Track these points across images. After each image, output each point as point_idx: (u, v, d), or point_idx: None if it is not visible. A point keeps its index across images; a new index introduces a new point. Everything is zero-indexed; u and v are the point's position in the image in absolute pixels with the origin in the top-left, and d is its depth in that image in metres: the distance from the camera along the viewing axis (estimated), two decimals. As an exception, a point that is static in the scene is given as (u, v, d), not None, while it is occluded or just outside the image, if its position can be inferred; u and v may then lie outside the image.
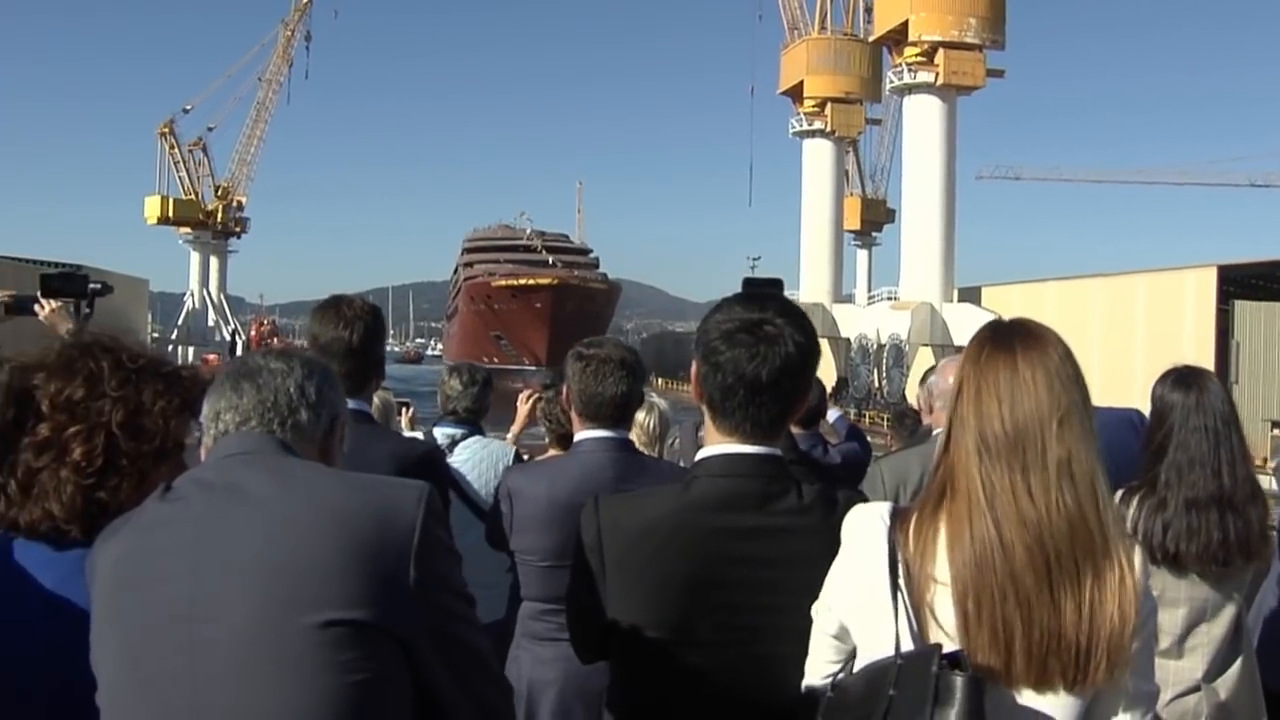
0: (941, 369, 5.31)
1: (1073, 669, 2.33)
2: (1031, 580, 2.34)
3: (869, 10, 77.55)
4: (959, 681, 2.25)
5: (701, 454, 2.73)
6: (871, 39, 75.61)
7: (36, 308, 4.70)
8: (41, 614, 2.28)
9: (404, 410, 7.32)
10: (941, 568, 2.41)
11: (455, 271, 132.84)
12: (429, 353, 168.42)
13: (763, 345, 2.59)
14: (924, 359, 46.36)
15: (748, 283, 2.94)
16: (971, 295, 62.92)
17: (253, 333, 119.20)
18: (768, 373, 2.59)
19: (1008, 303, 57.20)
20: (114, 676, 2.10)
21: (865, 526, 2.52)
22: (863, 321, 70.17)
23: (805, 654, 2.57)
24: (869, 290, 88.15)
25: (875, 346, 66.28)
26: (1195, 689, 3.80)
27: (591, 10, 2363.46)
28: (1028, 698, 2.38)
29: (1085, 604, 2.33)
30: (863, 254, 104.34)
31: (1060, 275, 56.97)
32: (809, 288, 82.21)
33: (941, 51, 64.83)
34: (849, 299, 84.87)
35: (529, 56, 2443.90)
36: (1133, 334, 44.65)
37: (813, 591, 2.54)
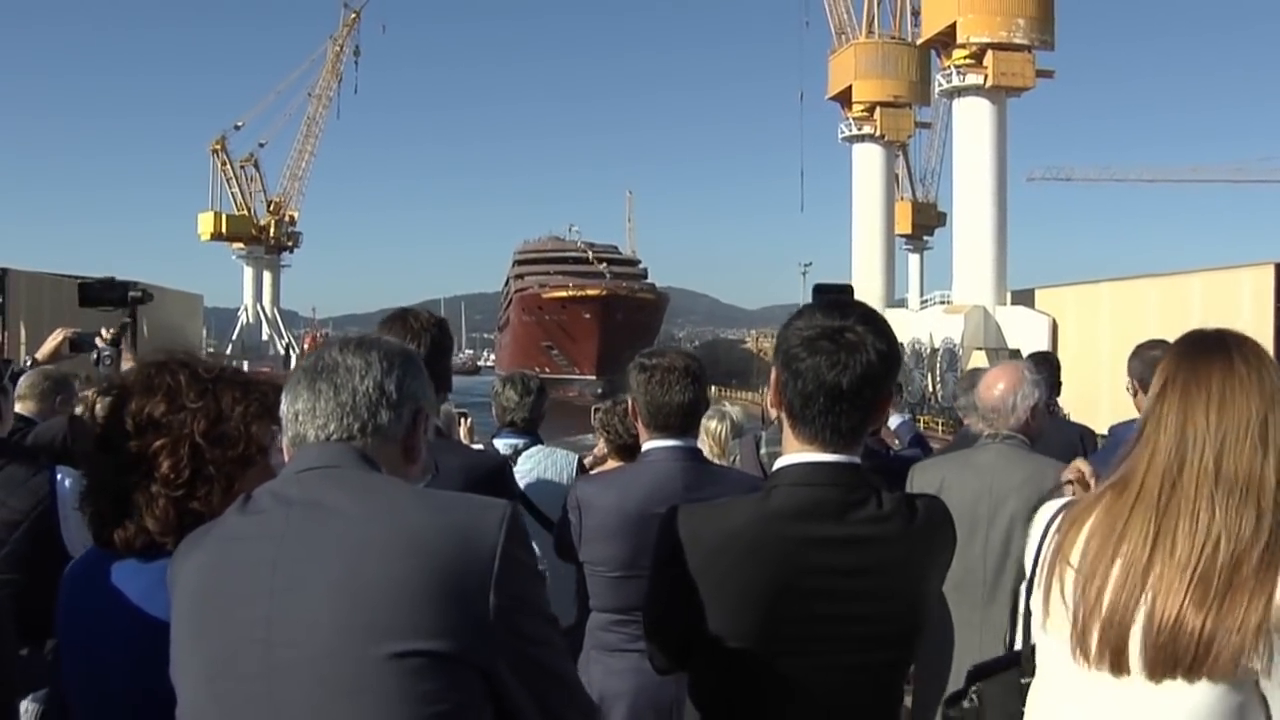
0: (988, 379, 5.25)
1: (1189, 663, 2.28)
2: (1178, 585, 2.30)
3: (916, 13, 77.23)
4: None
5: (780, 462, 2.72)
6: (919, 42, 75.24)
7: (98, 341, 4.75)
8: (129, 627, 2.34)
9: (462, 420, 7.33)
10: (1077, 551, 2.43)
11: (506, 283, 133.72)
12: (482, 364, 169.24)
13: (844, 353, 2.57)
14: (977, 362, 45.92)
15: (819, 289, 2.93)
16: (1025, 298, 62.32)
17: (306, 346, 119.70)
18: (848, 380, 2.57)
19: (1061, 304, 56.73)
20: (193, 694, 2.10)
21: (1038, 521, 2.62)
22: (916, 326, 69.72)
23: (887, 662, 2.61)
24: (921, 294, 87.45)
25: (929, 350, 65.81)
26: None
27: (640, 19, 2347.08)
28: (1141, 688, 2.35)
29: (1229, 616, 2.27)
30: (914, 258, 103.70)
31: (1114, 276, 56.36)
32: (861, 292, 78.56)
33: (990, 53, 64.34)
34: (901, 303, 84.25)
35: (577, 66, 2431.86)
36: (1189, 334, 43.91)
37: (894, 600, 2.57)
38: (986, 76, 64.56)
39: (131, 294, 5.07)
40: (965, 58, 65.49)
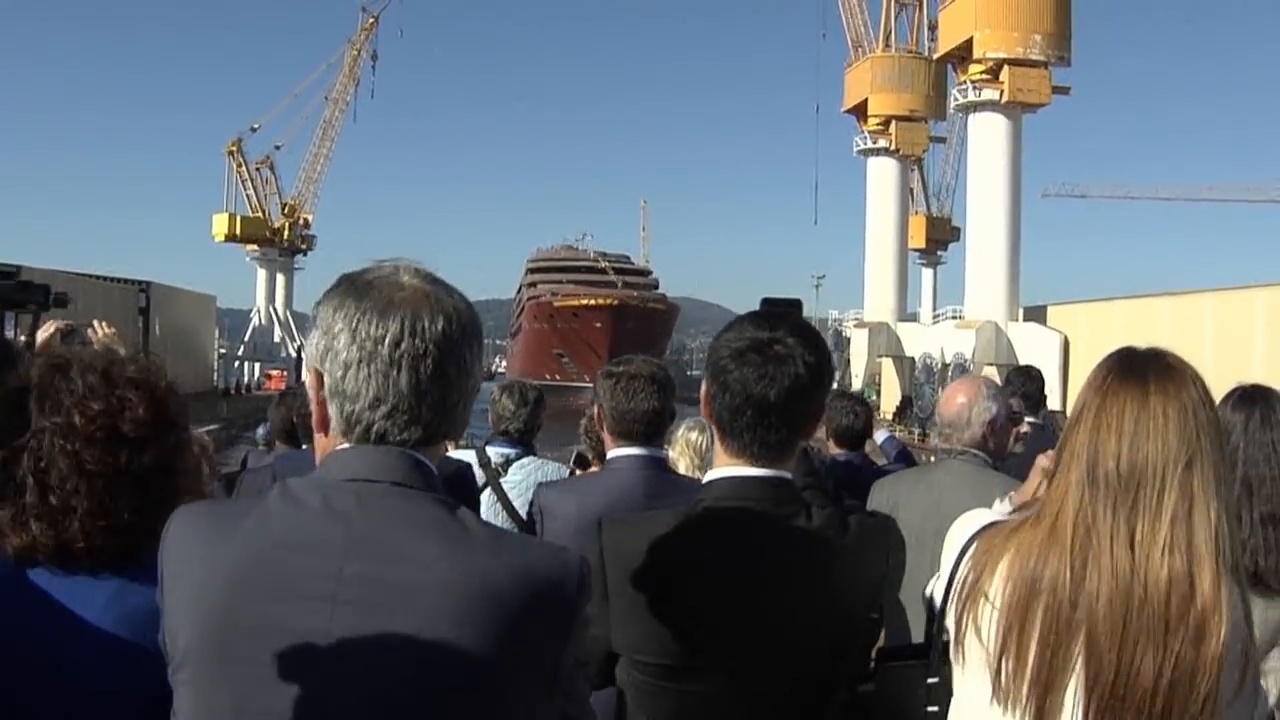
0: (947, 393, 5.16)
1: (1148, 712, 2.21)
2: (1106, 635, 2.24)
3: (933, 28, 77.11)
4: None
5: (709, 476, 2.69)
6: (936, 57, 75.13)
7: (90, 333, 4.71)
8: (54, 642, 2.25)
9: None
10: (995, 589, 2.35)
11: (519, 290, 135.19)
12: (495, 369, 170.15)
13: (772, 365, 2.53)
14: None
15: (765, 302, 2.89)
16: (1037, 314, 62.26)
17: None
18: (776, 394, 2.53)
19: (1073, 322, 56.63)
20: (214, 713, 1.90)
21: (958, 532, 2.55)
22: (927, 340, 69.65)
23: (817, 678, 2.55)
24: (934, 309, 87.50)
25: (940, 365, 65.73)
26: (1272, 717, 3.70)
27: (657, 29, 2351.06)
28: None
29: (1168, 667, 2.20)
30: (928, 272, 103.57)
31: (1127, 294, 56.31)
32: (873, 306, 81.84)
33: (1006, 69, 64.18)
34: (913, 317, 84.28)
35: (593, 74, 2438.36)
36: (1202, 353, 43.79)
37: (822, 615, 2.53)
38: (1002, 92, 64.39)
39: (55, 294, 4.99)
40: (981, 73, 65.35)
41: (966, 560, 2.44)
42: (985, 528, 2.49)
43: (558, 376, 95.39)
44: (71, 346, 4.60)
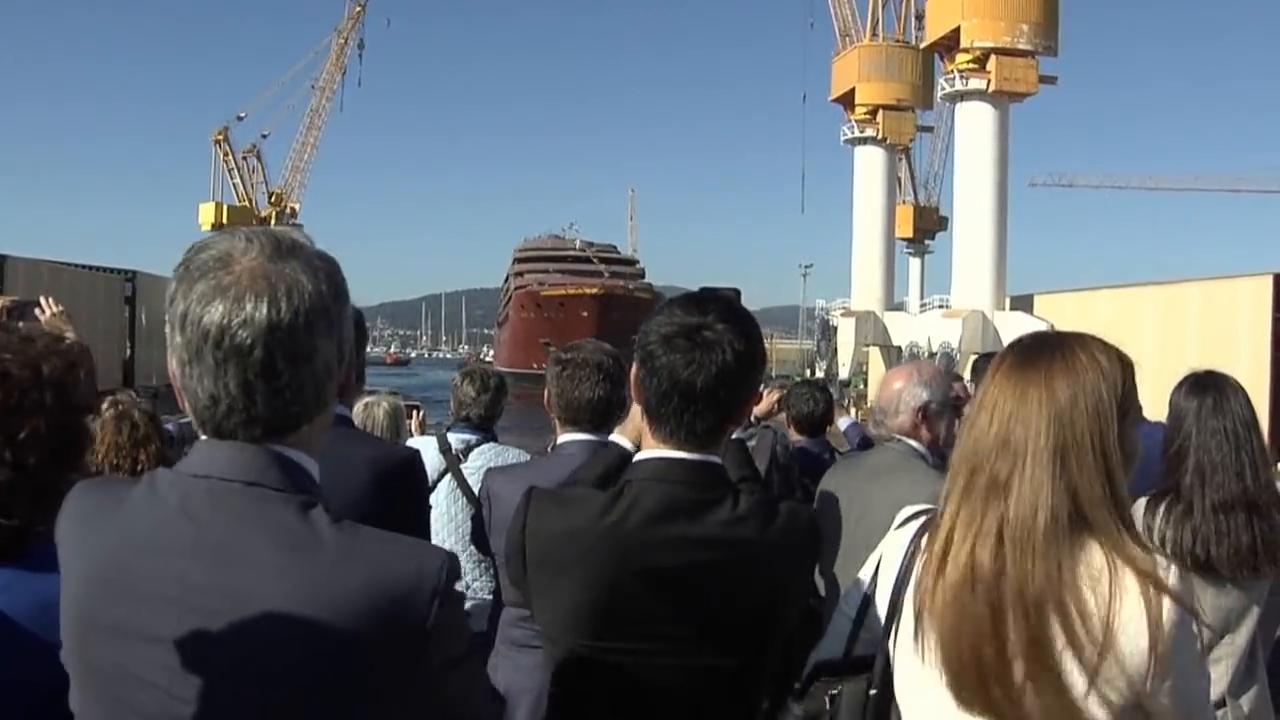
0: (885, 377, 5.08)
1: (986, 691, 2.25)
2: (948, 623, 2.28)
3: (920, 17, 77.22)
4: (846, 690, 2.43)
5: (638, 456, 2.65)
6: (923, 46, 75.17)
7: (37, 312, 4.62)
8: None
9: (414, 414, 7.28)
10: (913, 593, 2.39)
11: (506, 280, 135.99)
12: (483, 359, 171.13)
13: (699, 351, 2.49)
14: (974, 367, 46.00)
15: (704, 291, 2.83)
16: (1024, 303, 62.35)
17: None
18: (703, 381, 2.49)
19: (1060, 311, 56.72)
20: (85, 710, 1.90)
21: (894, 540, 2.55)
22: (914, 329, 69.79)
23: (732, 664, 2.52)
24: (921, 298, 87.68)
25: (927, 354, 65.86)
26: (1220, 704, 3.67)
27: (645, 19, 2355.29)
28: None
29: (1026, 650, 2.21)
30: (915, 261, 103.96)
31: (1114, 283, 56.45)
32: (860, 295, 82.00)
33: (993, 58, 64.29)
34: (900, 306, 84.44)
35: (581, 64, 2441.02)
36: (1186, 343, 44.31)
37: (746, 603, 2.50)
38: (989, 81, 64.51)
39: None
40: (968, 62, 65.47)
41: (909, 557, 2.45)
42: (926, 523, 2.49)
43: (544, 365, 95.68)
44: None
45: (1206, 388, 3.84)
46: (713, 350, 2.48)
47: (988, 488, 2.27)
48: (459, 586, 1.89)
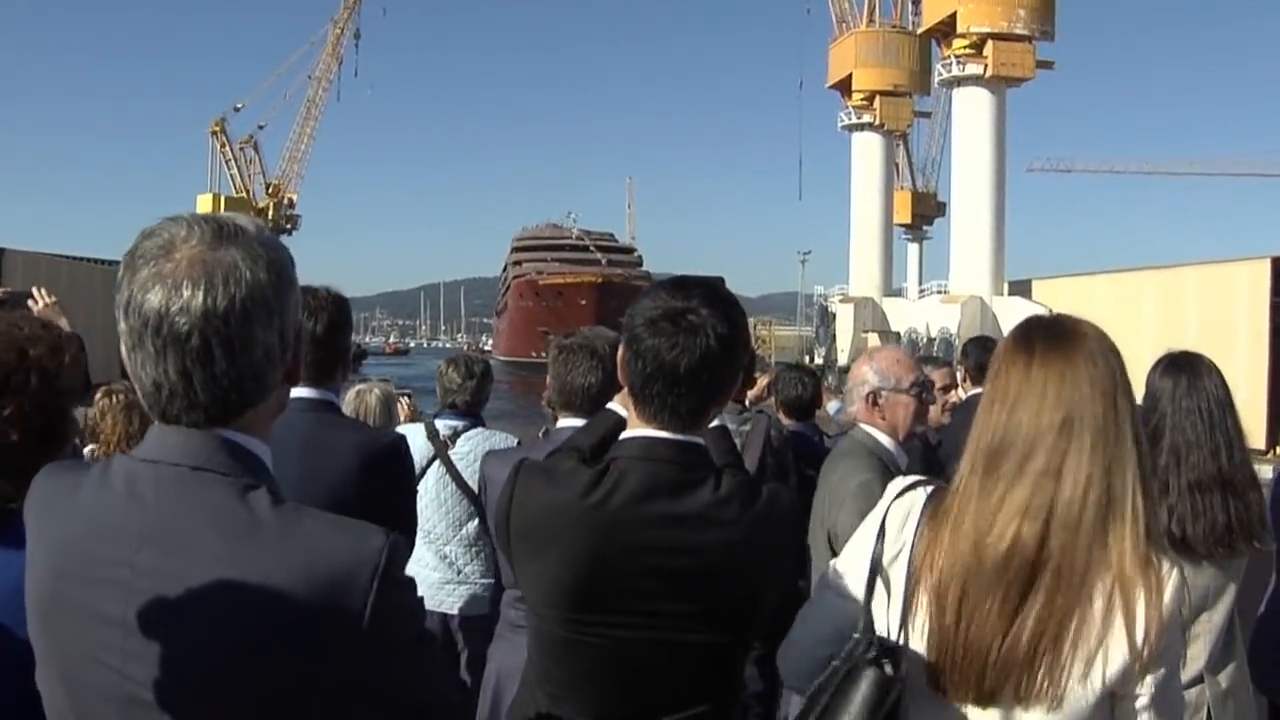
0: (858, 361, 5.03)
1: (1016, 685, 2.29)
2: (951, 597, 2.33)
3: (917, 3, 77.09)
4: (869, 674, 2.34)
5: (623, 435, 2.69)
6: (920, 31, 75.11)
7: (30, 303, 4.68)
8: None
9: (404, 400, 7.34)
10: (925, 573, 2.42)
11: (504, 269, 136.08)
12: (482, 348, 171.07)
13: (683, 335, 2.54)
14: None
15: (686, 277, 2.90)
16: (1022, 288, 62.22)
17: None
18: (686, 364, 2.54)
19: (1058, 296, 56.56)
20: (50, 687, 1.93)
21: (902, 507, 2.55)
22: (913, 315, 69.76)
23: (720, 644, 2.58)
24: (920, 284, 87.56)
25: (925, 340, 65.81)
26: (1198, 680, 3.72)
27: (640, 6, 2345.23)
28: (973, 711, 2.36)
29: (1037, 627, 2.27)
30: (913, 247, 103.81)
31: (1112, 268, 56.38)
32: (859, 282, 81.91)
33: (990, 43, 64.18)
34: (899, 293, 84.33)
35: (578, 53, 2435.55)
36: (1185, 328, 44.04)
37: (726, 582, 2.54)
38: (986, 66, 64.40)
39: None
40: (965, 47, 65.34)
41: (917, 536, 2.48)
42: (931, 495, 2.53)
43: (543, 354, 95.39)
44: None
45: (1182, 368, 3.87)
46: (697, 334, 2.53)
47: (1039, 469, 2.31)
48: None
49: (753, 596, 2.61)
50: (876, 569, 2.54)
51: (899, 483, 2.63)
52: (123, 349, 1.85)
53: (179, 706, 1.79)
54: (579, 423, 4.14)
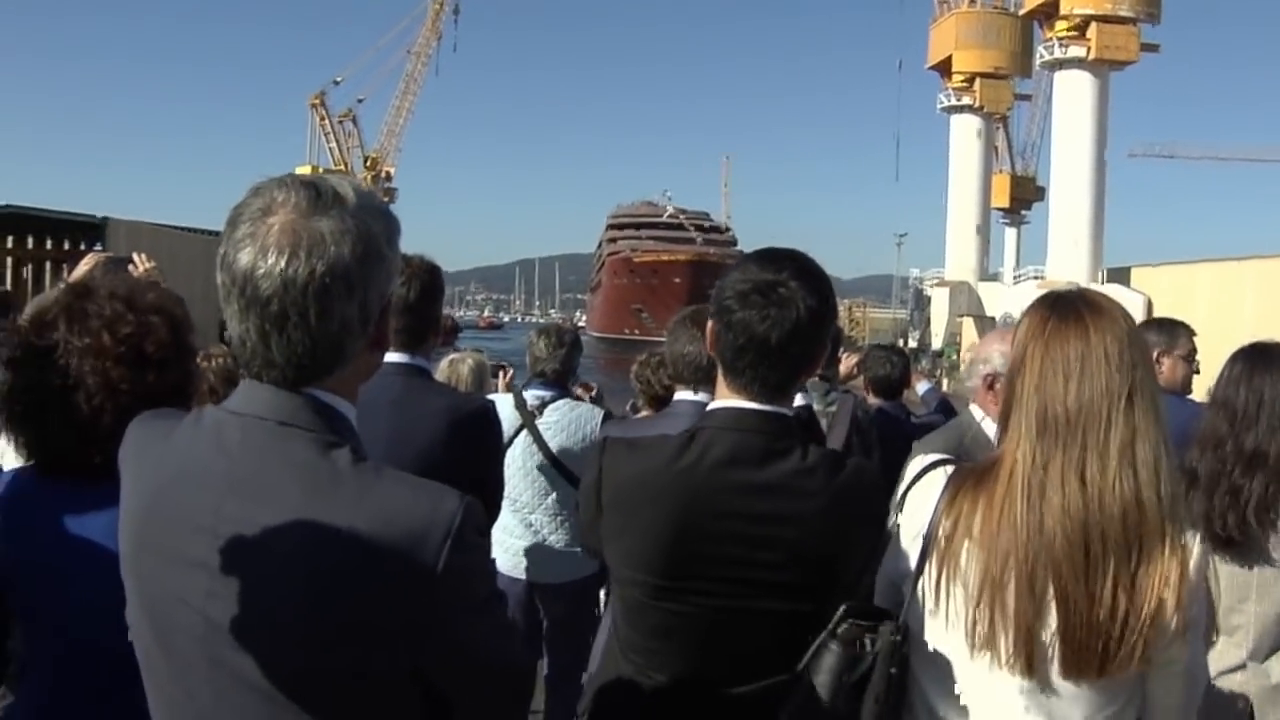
0: (988, 338, 4.91)
1: (1101, 657, 2.32)
2: (1069, 570, 2.32)
3: (1019, -17, 75.82)
4: (834, 646, 2.44)
5: (711, 406, 2.76)
6: (1022, 12, 73.57)
7: (130, 268, 4.85)
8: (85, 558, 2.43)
9: (501, 374, 7.40)
10: (970, 549, 2.42)
11: (599, 246, 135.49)
12: (579, 323, 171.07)
13: (774, 308, 2.60)
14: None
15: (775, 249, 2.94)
16: (1120, 276, 61.01)
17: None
18: (777, 336, 2.60)
19: (1157, 284, 55.55)
20: (139, 621, 2.03)
21: (924, 488, 2.57)
22: (1008, 300, 68.64)
23: (796, 613, 2.59)
24: (1016, 269, 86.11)
25: (1019, 327, 64.79)
26: (1240, 667, 3.68)
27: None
28: (1058, 685, 2.39)
29: (1129, 592, 2.30)
30: (1011, 232, 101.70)
31: (1214, 257, 55.12)
32: (954, 265, 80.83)
33: (1094, 25, 62.87)
34: (995, 277, 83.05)
35: (676, 31, 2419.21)
36: (1288, 319, 42.91)
37: (808, 551, 2.59)
38: (1089, 49, 63.08)
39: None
40: (1068, 29, 64.07)
41: (941, 517, 2.49)
42: (954, 474, 2.55)
43: (636, 331, 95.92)
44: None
45: (1262, 356, 3.78)
46: (787, 307, 2.59)
47: (1121, 440, 2.33)
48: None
49: (833, 567, 2.64)
50: (892, 540, 2.64)
51: (919, 462, 2.66)
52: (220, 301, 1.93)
53: (257, 647, 1.87)
54: (693, 397, 4.24)
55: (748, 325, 2.61)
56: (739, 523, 2.60)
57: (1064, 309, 2.45)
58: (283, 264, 1.84)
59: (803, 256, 2.75)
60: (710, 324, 2.73)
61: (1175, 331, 5.48)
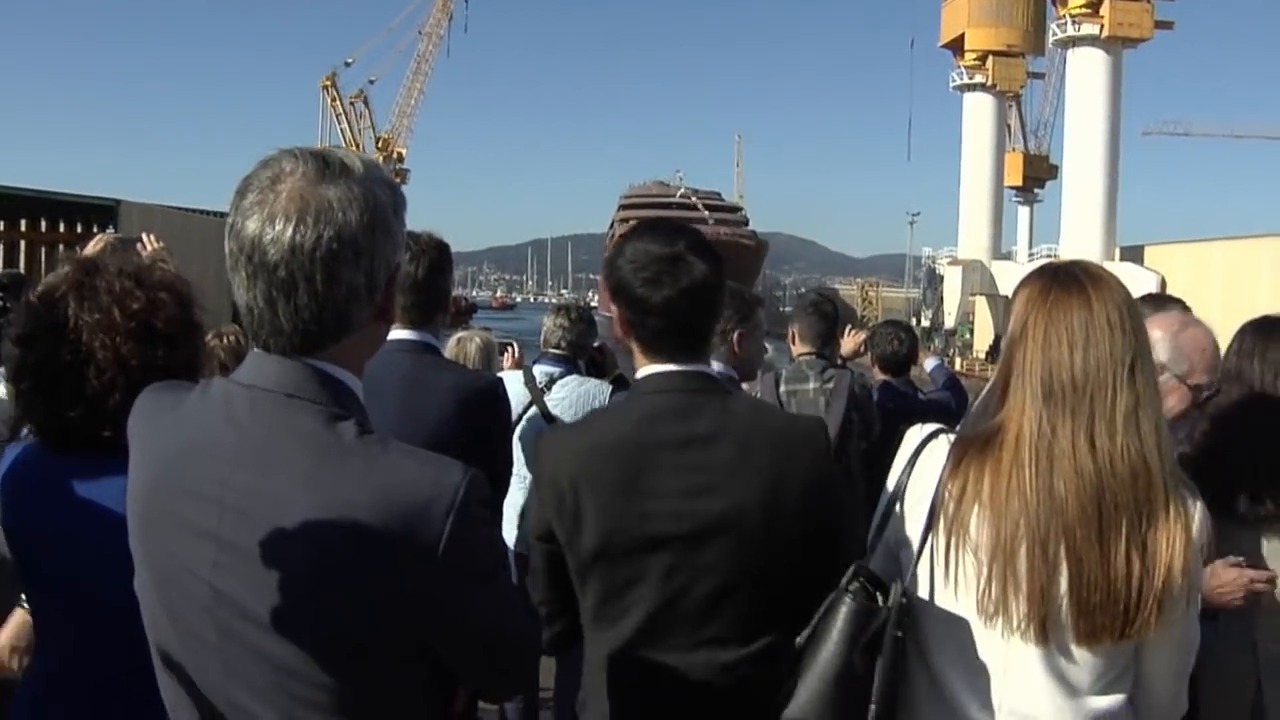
0: (1154, 322, 4.43)
1: (1121, 620, 2.33)
2: (1082, 534, 2.33)
3: (1033, -39, 75.55)
4: (847, 603, 2.44)
5: (639, 373, 2.82)
6: (1036, -10, 73.65)
7: (139, 246, 4.87)
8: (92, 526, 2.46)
9: (508, 351, 7.41)
10: (979, 516, 2.42)
11: (611, 225, 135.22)
12: (591, 303, 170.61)
13: (667, 277, 2.68)
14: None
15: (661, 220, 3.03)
16: (1134, 254, 60.94)
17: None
18: (678, 300, 2.69)
19: (1171, 262, 55.41)
20: (145, 588, 2.04)
21: (927, 457, 2.57)
22: (1021, 278, 68.68)
23: (730, 556, 2.63)
24: (1030, 247, 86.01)
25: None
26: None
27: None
28: (1071, 650, 2.40)
29: (1141, 554, 2.32)
30: (1024, 210, 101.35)
31: (1229, 235, 54.97)
32: (968, 244, 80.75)
33: (1107, 3, 62.81)
34: (1008, 256, 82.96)
35: (687, 10, 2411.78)
36: (1302, 295, 42.81)
37: (743, 500, 2.63)
38: (1103, 26, 63.04)
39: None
40: (1081, 7, 64.00)
41: (946, 485, 2.49)
42: (956, 443, 2.55)
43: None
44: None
45: (1245, 332, 3.79)
46: (682, 273, 2.69)
47: (1127, 406, 2.35)
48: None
49: (772, 515, 2.65)
50: (895, 508, 2.63)
51: (918, 432, 2.66)
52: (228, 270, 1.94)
53: (264, 618, 1.87)
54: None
55: (648, 293, 2.70)
56: (672, 476, 2.65)
57: (1065, 279, 2.46)
58: (290, 230, 1.85)
59: (693, 229, 2.90)
60: (615, 308, 2.79)
61: (1166, 306, 5.47)
